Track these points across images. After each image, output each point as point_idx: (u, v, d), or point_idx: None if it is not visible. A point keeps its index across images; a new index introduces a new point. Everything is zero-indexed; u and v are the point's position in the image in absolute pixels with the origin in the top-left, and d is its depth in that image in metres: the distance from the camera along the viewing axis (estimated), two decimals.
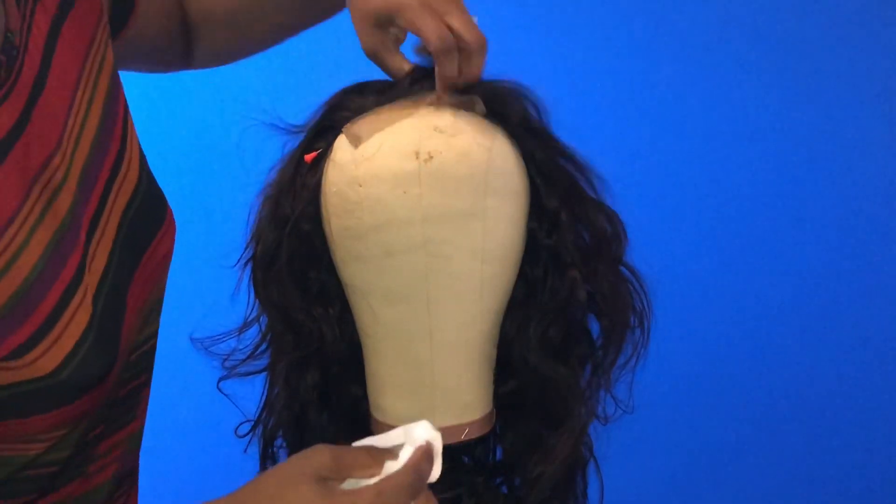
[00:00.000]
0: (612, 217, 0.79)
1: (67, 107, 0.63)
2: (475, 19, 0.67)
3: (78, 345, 0.57)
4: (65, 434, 0.58)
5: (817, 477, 1.59)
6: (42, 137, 0.60)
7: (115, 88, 0.70)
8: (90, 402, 0.58)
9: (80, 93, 0.65)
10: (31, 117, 0.59)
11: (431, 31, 0.66)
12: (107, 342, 0.61)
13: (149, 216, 0.72)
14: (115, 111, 0.70)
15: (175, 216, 0.82)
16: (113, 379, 0.62)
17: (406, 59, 0.72)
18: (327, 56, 1.49)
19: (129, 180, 0.70)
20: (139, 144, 0.73)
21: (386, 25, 0.70)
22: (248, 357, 0.81)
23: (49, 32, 0.63)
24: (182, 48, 0.89)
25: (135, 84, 1.58)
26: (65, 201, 0.61)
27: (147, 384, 0.73)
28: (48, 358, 0.55)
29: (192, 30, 0.88)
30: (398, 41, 0.72)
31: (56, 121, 0.62)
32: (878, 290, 1.54)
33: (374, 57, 0.74)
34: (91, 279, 0.61)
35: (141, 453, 0.78)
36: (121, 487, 0.72)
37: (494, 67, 0.79)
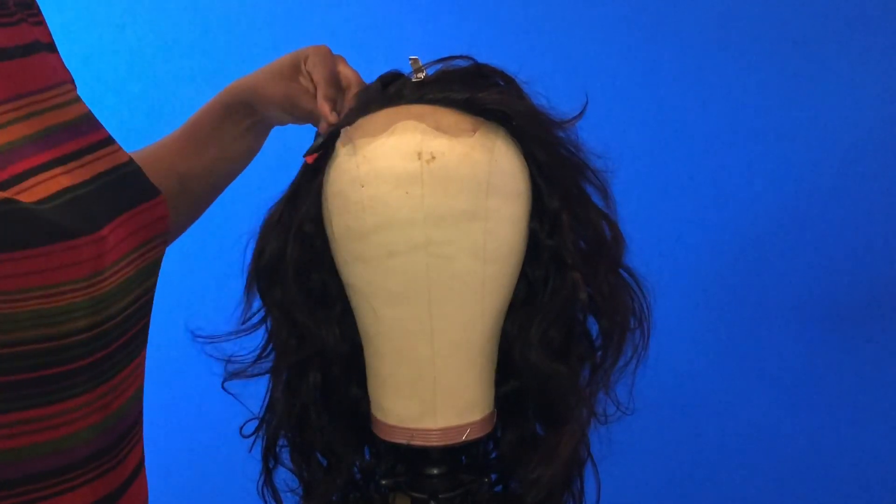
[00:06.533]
0: (611, 224, 0.79)
1: (55, 83, 0.70)
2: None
3: (60, 193, 0.63)
4: (68, 286, 0.62)
5: (816, 478, 1.59)
6: (36, 79, 0.68)
7: None
8: (74, 256, 0.62)
9: (67, 86, 0.72)
10: (22, 58, 0.67)
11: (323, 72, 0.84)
12: (93, 212, 0.65)
13: (131, 187, 0.74)
14: (99, 124, 0.76)
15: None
16: (99, 258, 0.65)
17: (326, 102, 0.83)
18: None
19: (117, 157, 0.73)
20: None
21: (295, 76, 0.86)
22: (256, 361, 0.81)
23: (32, 42, 0.71)
24: None
25: (135, 83, 1.59)
26: (51, 119, 0.68)
27: (140, 344, 0.75)
28: (35, 191, 0.61)
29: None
30: (309, 91, 0.86)
31: (44, 80, 0.69)
32: (878, 291, 1.54)
33: (294, 103, 0.86)
34: (71, 175, 0.66)
35: (144, 454, 0.79)
36: (131, 431, 0.74)
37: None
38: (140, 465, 0.77)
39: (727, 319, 1.57)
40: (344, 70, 0.85)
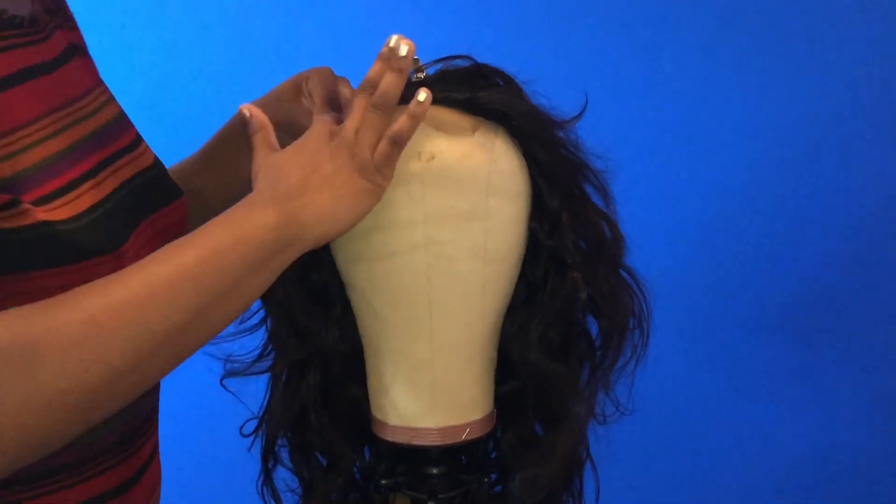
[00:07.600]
0: (611, 224, 0.80)
1: (89, 88, 0.73)
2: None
3: (88, 211, 0.66)
4: None
5: (814, 478, 1.59)
6: (66, 89, 0.70)
7: None
8: (97, 272, 0.64)
9: (99, 88, 0.75)
10: (56, 70, 0.69)
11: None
12: (117, 226, 0.69)
13: (156, 191, 0.76)
14: (129, 122, 0.78)
15: None
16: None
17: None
18: (328, 59, 1.49)
19: (142, 161, 0.76)
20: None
21: (296, 97, 0.85)
22: (257, 360, 0.81)
23: (67, 47, 0.74)
24: None
25: (135, 83, 1.59)
26: (82, 129, 0.70)
27: None
28: (66, 209, 0.64)
29: None
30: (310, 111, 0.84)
31: (79, 87, 0.72)
32: (877, 292, 1.54)
33: (294, 123, 0.84)
34: (99, 188, 0.69)
35: (158, 438, 0.81)
36: (151, 417, 0.78)
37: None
38: (155, 449, 0.80)
39: (726, 320, 1.57)
40: (344, 91, 0.85)
